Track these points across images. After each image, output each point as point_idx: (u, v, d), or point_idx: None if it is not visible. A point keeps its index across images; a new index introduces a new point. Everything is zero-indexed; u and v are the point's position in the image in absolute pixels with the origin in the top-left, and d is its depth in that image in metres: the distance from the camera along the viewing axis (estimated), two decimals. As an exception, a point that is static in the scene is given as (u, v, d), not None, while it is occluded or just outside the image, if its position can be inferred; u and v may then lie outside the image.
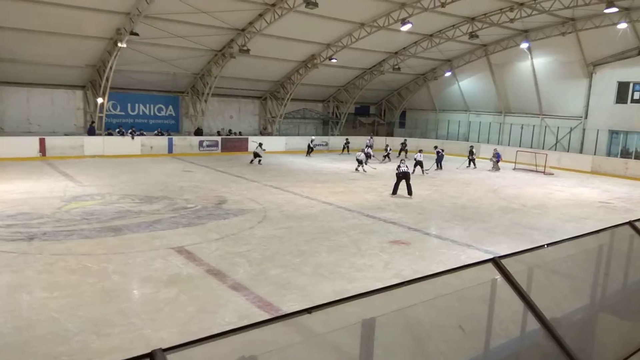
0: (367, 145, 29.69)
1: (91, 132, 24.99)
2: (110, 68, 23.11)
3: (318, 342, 2.56)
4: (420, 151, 23.54)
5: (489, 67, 31.74)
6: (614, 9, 20.50)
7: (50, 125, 25.01)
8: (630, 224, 4.97)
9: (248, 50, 24.35)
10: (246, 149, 28.98)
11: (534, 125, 30.71)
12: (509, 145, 30.71)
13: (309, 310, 2.33)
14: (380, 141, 32.88)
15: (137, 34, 20.79)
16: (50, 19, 19.91)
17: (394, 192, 17.05)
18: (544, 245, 4.09)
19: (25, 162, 21.09)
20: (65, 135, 24.54)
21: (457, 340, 3.35)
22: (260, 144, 24.71)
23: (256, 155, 24.13)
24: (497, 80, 31.89)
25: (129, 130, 25.92)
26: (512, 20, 24.37)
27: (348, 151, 31.29)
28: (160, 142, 26.54)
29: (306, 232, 11.65)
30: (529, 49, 28.63)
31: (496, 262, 3.40)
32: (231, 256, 9.55)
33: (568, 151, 28.64)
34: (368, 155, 24.52)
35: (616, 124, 26.88)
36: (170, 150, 26.61)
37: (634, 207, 16.90)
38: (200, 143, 27.87)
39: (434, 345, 3.35)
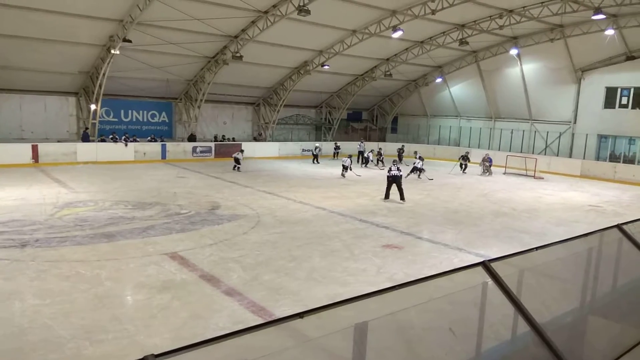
0: (359, 151, 29.86)
1: (85, 138, 24.90)
2: (104, 75, 23.09)
3: (311, 347, 2.59)
4: (420, 158, 23.81)
5: (479, 73, 32.04)
6: (602, 16, 20.80)
7: (43, 131, 24.91)
8: (619, 227, 5.04)
9: (241, 56, 24.42)
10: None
11: (523, 130, 31.00)
12: (499, 150, 30.94)
13: (301, 315, 2.37)
14: (371, 146, 32.91)
15: (130, 41, 20.79)
16: (43, 26, 19.87)
17: (386, 196, 17.09)
18: (533, 249, 4.14)
19: (18, 168, 20.96)
20: (58, 141, 24.44)
21: (448, 344, 3.39)
22: (242, 150, 24.68)
23: (237, 161, 23.84)
24: (487, 86, 32.19)
25: (122, 137, 25.85)
26: (501, 27, 24.66)
27: (337, 157, 30.73)
28: (153, 148, 26.49)
29: (299, 237, 11.68)
30: (518, 55, 28.96)
31: (486, 265, 3.45)
32: (225, 261, 9.56)
33: (557, 155, 28.92)
34: (367, 160, 24.64)
35: (604, 129, 27.21)
36: (163, 156, 26.56)
37: (623, 210, 17.09)
38: (194, 149, 27.85)
39: (426, 349, 3.40)
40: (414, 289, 3.01)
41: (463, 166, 26.48)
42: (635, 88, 25.82)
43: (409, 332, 3.30)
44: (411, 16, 22.89)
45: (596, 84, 27.13)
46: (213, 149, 28.46)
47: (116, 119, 27.80)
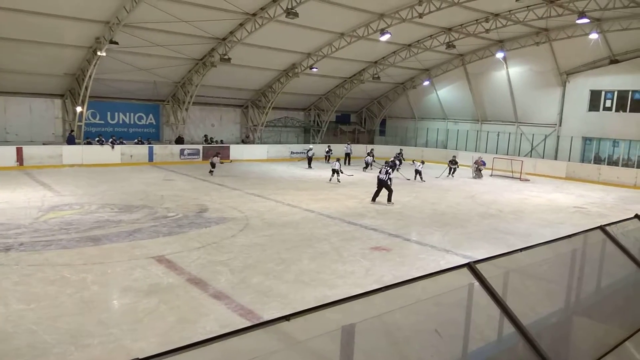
0: (345, 153, 29.88)
1: (70, 141, 24.62)
2: (90, 77, 22.86)
3: (298, 349, 2.59)
4: (422, 162, 24.06)
5: (466, 76, 32.33)
6: (586, 20, 21.13)
7: (28, 134, 24.58)
8: (602, 228, 5.11)
9: (229, 59, 24.36)
10: (228, 157, 28.89)
11: (510, 133, 31.32)
12: (486, 152, 31.20)
13: (287, 318, 2.37)
14: (359, 149, 32.99)
15: (116, 43, 20.64)
16: (29, 28, 19.63)
17: (373, 199, 17.14)
18: (518, 250, 4.18)
19: (2, 171, 20.61)
20: (44, 144, 24.14)
21: (435, 345, 3.41)
22: (218, 153, 24.06)
23: (213, 165, 23.11)
24: (473, 89, 32.48)
25: (109, 139, 25.62)
26: (487, 31, 24.94)
27: (329, 160, 30.06)
28: (140, 150, 26.28)
29: (288, 239, 11.68)
30: (504, 58, 29.28)
31: (471, 267, 3.48)
32: (212, 265, 9.52)
33: (543, 158, 29.25)
34: (367, 164, 24.42)
35: (589, 131, 27.59)
36: (150, 158, 26.36)
37: (608, 211, 17.34)
38: (181, 151, 27.68)
39: (413, 351, 3.41)
40: (400, 290, 3.03)
41: (451, 170, 26.39)
42: (618, 91, 26.24)
43: (395, 334, 3.31)
44: (399, 19, 23.05)
45: (581, 87, 27.51)
46: (201, 151, 28.32)
47: (102, 121, 27.54)
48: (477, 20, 24.78)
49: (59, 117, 25.85)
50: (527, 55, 28.41)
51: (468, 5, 21.53)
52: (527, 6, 22.22)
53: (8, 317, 6.85)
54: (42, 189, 17.29)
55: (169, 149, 27.51)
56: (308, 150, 28.47)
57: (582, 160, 27.84)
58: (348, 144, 31.58)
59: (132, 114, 28.77)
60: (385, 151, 32.89)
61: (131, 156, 25.66)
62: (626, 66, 25.43)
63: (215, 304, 7.62)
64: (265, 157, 30.89)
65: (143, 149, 26.40)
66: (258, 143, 32.39)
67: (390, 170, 17.62)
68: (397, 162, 26.33)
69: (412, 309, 3.24)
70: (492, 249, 10.88)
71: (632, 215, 5.88)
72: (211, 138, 31.24)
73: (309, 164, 27.78)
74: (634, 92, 25.78)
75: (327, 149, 30.84)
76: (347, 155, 30.02)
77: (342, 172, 22.63)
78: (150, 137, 28.82)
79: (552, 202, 19.19)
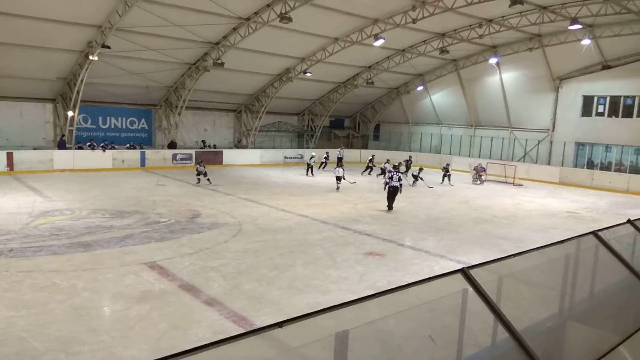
0: (338, 158, 29.69)
1: (61, 145, 24.44)
2: (81, 81, 22.74)
3: (292, 356, 2.56)
4: (420, 169, 24.09)
5: (460, 82, 32.47)
6: (578, 26, 21.29)
7: (19, 139, 24.35)
8: (594, 233, 5.13)
9: (222, 63, 24.32)
10: (221, 162, 28.80)
11: (503, 138, 31.46)
12: (479, 157, 31.35)
13: (280, 324, 2.34)
14: (352, 154, 32.98)
15: (108, 47, 20.54)
16: (20, 32, 19.50)
17: (390, 207, 16.72)
18: (512, 255, 4.18)
19: (-8, 176, 20.49)
20: (34, 149, 23.94)
21: (429, 352, 3.39)
22: (201, 162, 22.51)
23: (198, 173, 21.85)
24: (467, 94, 32.64)
25: (101, 144, 25.47)
26: (481, 37, 25.09)
27: (326, 166, 29.28)
28: (132, 155, 26.12)
29: (281, 245, 11.62)
30: (497, 64, 29.45)
31: (465, 272, 3.46)
32: (205, 271, 9.44)
33: (536, 163, 29.40)
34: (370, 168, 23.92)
35: (582, 136, 27.77)
36: (142, 163, 26.23)
37: (600, 216, 17.42)
38: (174, 156, 27.56)
39: (407, 357, 3.39)
40: (394, 296, 3.01)
41: (446, 177, 25.94)
42: (611, 96, 26.44)
43: (389, 341, 3.29)
44: (392, 25, 23.13)
45: (574, 93, 27.71)
46: (193, 156, 28.20)
47: (94, 126, 27.37)
48: (470, 25, 24.92)
49: (50, 122, 25.67)
50: (520, 61, 28.59)
51: (461, 10, 21.66)
52: (520, 12, 22.36)
53: (-4, 325, 6.75)
54: (32, 194, 17.13)
55: (161, 153, 27.37)
56: (310, 158, 27.11)
57: (575, 166, 27.99)
58: (341, 149, 31.55)
59: (124, 119, 28.62)
60: (385, 157, 32.12)
61: (123, 161, 25.51)
62: (618, 72, 25.65)
63: (208, 311, 7.55)
64: (258, 162, 30.84)
65: (135, 154, 26.25)
66: (251, 148, 32.33)
67: (400, 176, 17.39)
68: (404, 168, 25.71)
69: (406, 315, 3.22)
70: (485, 254, 10.88)
71: (625, 221, 5.90)
72: (208, 145, 30.89)
73: (311, 171, 26.65)
74: (626, 97, 25.99)
75: (325, 155, 29.88)
76: (339, 159, 29.59)
77: (344, 179, 22.09)
78: (143, 141, 28.66)
79: (545, 207, 19.27)
